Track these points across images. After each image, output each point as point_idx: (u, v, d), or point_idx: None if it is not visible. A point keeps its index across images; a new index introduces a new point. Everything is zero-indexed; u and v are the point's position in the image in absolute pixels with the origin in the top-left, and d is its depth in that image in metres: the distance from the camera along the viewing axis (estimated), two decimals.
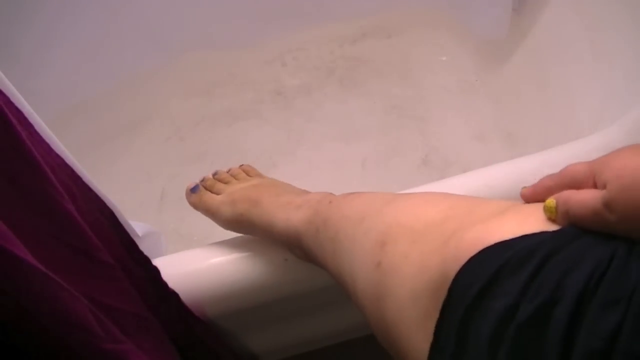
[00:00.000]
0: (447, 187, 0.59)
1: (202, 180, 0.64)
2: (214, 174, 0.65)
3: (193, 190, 0.62)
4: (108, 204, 0.50)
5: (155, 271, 0.53)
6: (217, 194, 0.61)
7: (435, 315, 0.31)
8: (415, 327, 0.33)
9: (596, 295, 0.26)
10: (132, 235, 0.52)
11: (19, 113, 0.40)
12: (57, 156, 0.44)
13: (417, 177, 0.95)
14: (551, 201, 0.31)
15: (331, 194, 0.53)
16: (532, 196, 0.34)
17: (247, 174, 0.65)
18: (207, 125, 1.07)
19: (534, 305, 0.27)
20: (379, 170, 0.98)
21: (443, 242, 0.33)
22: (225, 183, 0.63)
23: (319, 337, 0.75)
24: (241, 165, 0.67)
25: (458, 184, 0.59)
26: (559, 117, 0.85)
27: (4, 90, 0.39)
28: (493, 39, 0.98)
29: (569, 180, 0.32)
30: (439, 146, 0.99)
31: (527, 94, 0.94)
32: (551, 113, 0.87)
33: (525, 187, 0.34)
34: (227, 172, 0.65)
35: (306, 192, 0.57)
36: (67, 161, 0.45)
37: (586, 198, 0.29)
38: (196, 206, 0.62)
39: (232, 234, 0.61)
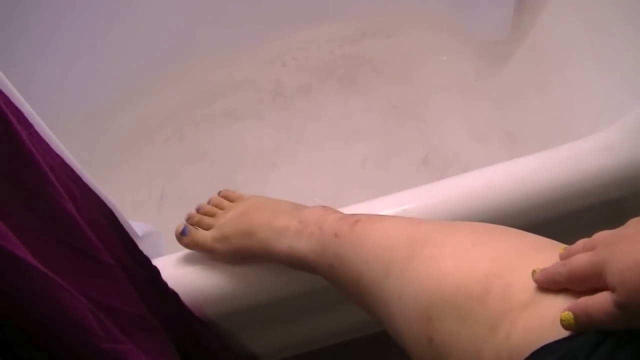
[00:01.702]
0: (447, 187, 0.59)
1: (188, 219, 0.62)
2: (198, 209, 0.63)
3: (183, 233, 0.59)
4: (108, 204, 0.50)
5: (155, 271, 0.53)
6: (207, 229, 0.59)
7: None
8: None
9: None
10: (132, 235, 0.52)
11: (18, 113, 0.41)
12: (57, 156, 0.44)
13: (417, 177, 0.95)
14: (567, 316, 0.32)
15: (326, 210, 0.53)
16: (544, 285, 0.35)
17: (228, 199, 0.63)
18: (207, 125, 1.07)
19: None
20: (378, 170, 0.97)
21: (491, 329, 0.35)
22: (212, 216, 0.61)
23: (319, 337, 0.75)
24: (219, 192, 0.65)
25: (458, 184, 0.59)
26: (559, 117, 0.85)
27: (4, 90, 0.39)
28: (494, 39, 0.98)
29: (575, 280, 0.33)
30: (439, 146, 0.99)
31: (527, 94, 0.94)
32: (551, 113, 0.87)
33: (535, 272, 0.35)
34: (209, 204, 0.63)
35: (296, 208, 0.57)
36: (67, 161, 0.45)
37: (601, 305, 0.30)
38: (191, 248, 0.60)
39: None
